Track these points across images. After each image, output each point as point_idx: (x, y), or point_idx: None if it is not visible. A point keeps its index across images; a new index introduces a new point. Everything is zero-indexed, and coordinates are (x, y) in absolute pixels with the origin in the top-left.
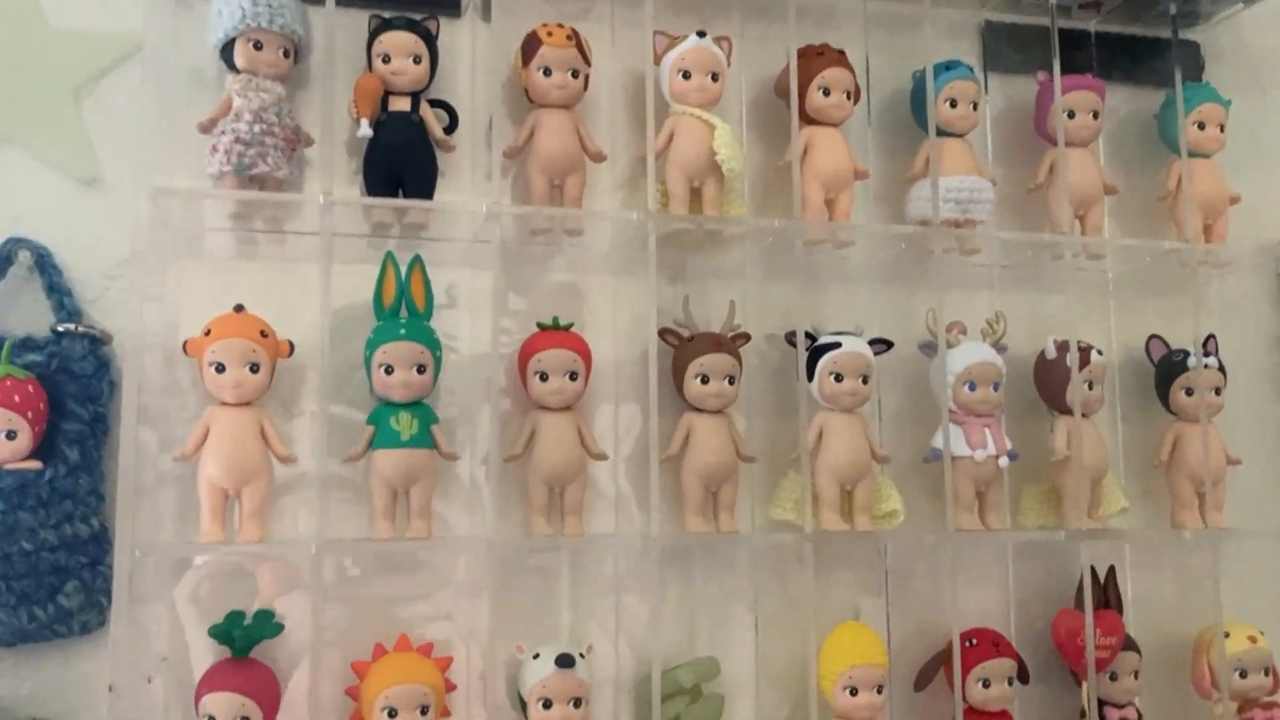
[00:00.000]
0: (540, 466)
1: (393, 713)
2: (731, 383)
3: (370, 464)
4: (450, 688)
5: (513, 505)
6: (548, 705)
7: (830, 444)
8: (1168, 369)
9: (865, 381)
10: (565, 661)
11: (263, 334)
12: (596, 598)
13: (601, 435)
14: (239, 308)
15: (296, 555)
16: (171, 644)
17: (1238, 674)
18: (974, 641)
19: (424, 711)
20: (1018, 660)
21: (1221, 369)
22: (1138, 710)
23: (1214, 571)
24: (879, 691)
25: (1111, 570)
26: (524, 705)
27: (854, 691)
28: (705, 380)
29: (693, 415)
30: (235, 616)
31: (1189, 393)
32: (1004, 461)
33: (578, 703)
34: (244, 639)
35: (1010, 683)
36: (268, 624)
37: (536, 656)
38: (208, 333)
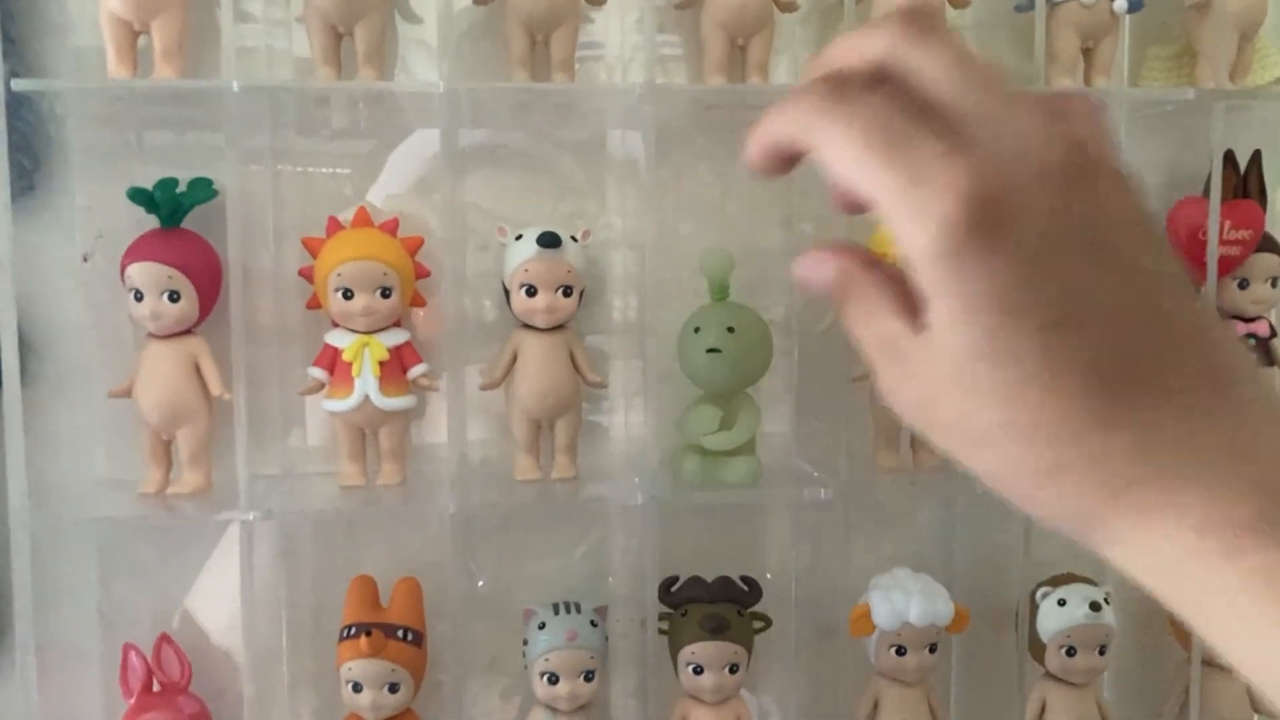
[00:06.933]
0: None
1: (348, 294)
2: None
3: None
4: (422, 272)
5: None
6: (531, 292)
7: None
8: None
9: None
10: (548, 241)
11: None
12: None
13: None
14: None
15: None
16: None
17: None
18: None
19: (385, 294)
20: None
21: None
22: (1271, 325)
23: None
24: None
25: (1256, 155)
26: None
27: None
28: None
29: None
30: (166, 183)
31: None
32: (1120, 6)
33: (567, 291)
34: (170, 204)
35: None
36: (200, 187)
37: (519, 238)
38: None
